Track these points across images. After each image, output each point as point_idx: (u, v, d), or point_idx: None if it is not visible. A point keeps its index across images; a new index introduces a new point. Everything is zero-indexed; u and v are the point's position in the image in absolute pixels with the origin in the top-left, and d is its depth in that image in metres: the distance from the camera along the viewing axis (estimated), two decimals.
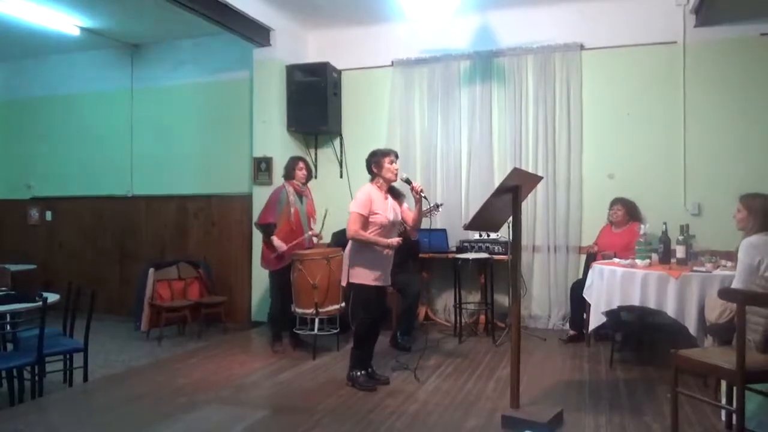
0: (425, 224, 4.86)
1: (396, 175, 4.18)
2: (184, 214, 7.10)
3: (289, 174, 5.29)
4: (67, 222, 7.68)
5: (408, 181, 4.17)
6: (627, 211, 5.45)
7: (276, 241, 5.09)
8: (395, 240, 4.08)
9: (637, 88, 5.80)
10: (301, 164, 5.30)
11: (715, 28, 5.52)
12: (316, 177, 6.51)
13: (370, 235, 4.03)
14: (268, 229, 5.14)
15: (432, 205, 4.71)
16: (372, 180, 4.19)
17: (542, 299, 6.06)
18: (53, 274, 7.40)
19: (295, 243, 5.12)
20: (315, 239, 5.43)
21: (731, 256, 4.15)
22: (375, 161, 4.16)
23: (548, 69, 6.01)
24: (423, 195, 4.10)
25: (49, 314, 3.96)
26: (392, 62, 6.58)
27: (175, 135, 7.17)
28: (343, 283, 4.18)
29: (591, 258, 5.40)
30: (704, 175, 5.57)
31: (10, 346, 4.30)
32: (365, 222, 4.02)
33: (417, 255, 5.78)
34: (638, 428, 3.37)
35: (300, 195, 5.27)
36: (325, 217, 5.44)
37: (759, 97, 5.44)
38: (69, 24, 6.51)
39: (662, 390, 3.94)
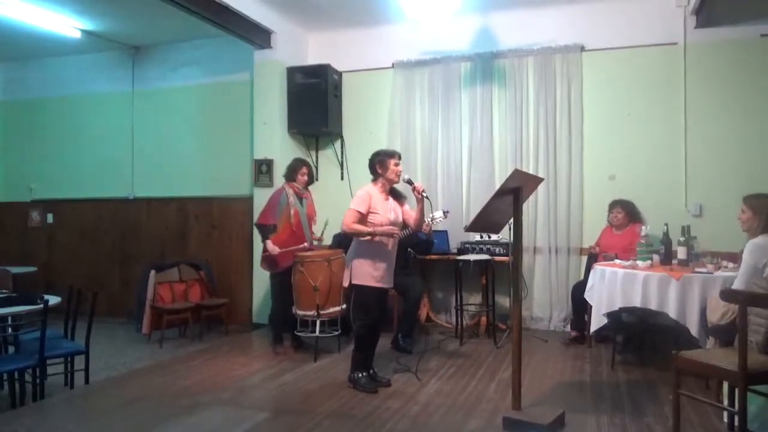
0: None
1: (399, 176, 4.19)
2: (184, 216, 7.10)
3: (290, 176, 5.29)
4: (68, 224, 7.68)
5: (410, 182, 4.18)
6: (627, 213, 5.45)
7: (269, 244, 5.09)
8: (393, 229, 4.05)
9: (637, 90, 5.80)
10: (304, 169, 5.30)
11: (716, 30, 5.52)
12: (317, 179, 6.51)
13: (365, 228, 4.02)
14: (265, 231, 5.14)
15: (440, 212, 4.79)
16: (374, 180, 4.19)
17: (543, 301, 6.06)
18: (54, 276, 7.41)
19: (290, 249, 5.10)
20: (315, 242, 5.44)
21: (733, 257, 4.16)
22: (380, 161, 4.15)
23: (549, 70, 6.01)
24: (425, 195, 4.10)
25: (50, 317, 3.96)
26: (393, 64, 6.58)
27: (175, 137, 7.18)
28: (345, 284, 4.18)
29: (592, 259, 5.39)
30: (705, 176, 5.57)
31: (11, 349, 4.31)
32: (362, 220, 4.01)
33: (429, 253, 5.81)
34: (640, 430, 3.37)
35: (300, 197, 5.27)
36: (325, 226, 5.51)
37: (760, 98, 5.44)
38: (70, 26, 6.53)
39: (664, 391, 3.94)
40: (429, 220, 4.68)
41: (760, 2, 5.07)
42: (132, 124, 7.38)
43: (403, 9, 5.55)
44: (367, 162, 4.24)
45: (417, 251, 5.66)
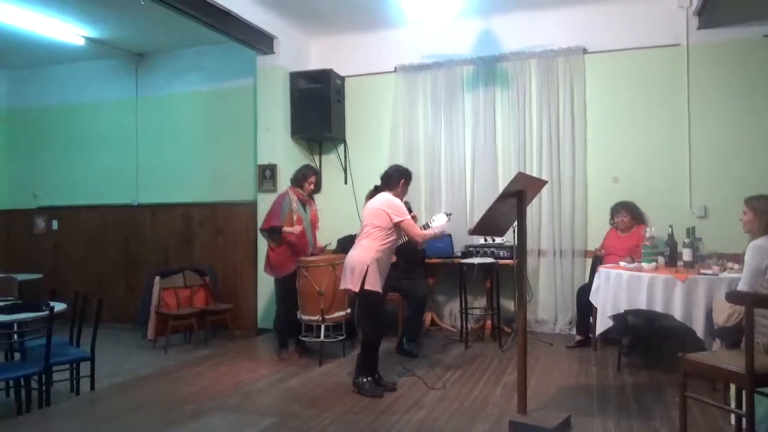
0: None
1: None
2: (189, 222, 7.11)
3: (298, 181, 5.29)
4: (72, 231, 7.71)
5: (409, 209, 4.56)
6: (632, 216, 5.43)
7: (288, 228, 5.07)
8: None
9: (640, 91, 5.79)
10: (312, 178, 5.31)
11: (718, 31, 5.51)
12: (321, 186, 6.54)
13: (389, 242, 4.16)
14: (274, 233, 5.14)
15: (442, 215, 4.87)
16: (391, 191, 4.27)
17: (548, 304, 6.04)
18: (59, 283, 7.40)
19: (302, 230, 5.16)
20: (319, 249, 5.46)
21: (738, 258, 4.14)
22: (408, 179, 4.36)
23: (551, 73, 6.01)
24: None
25: (56, 323, 3.97)
26: (395, 68, 6.59)
27: (179, 143, 7.20)
28: (356, 289, 4.06)
29: (597, 262, 5.38)
30: (709, 177, 5.55)
31: (17, 356, 4.31)
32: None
33: (423, 260, 5.80)
34: None
35: (303, 203, 5.28)
36: (326, 246, 5.63)
37: (763, 99, 5.42)
38: (74, 34, 6.56)
39: (671, 394, 3.92)
40: (430, 223, 4.75)
41: (762, 3, 5.06)
42: (136, 130, 7.40)
43: (404, 13, 5.56)
44: (390, 171, 4.36)
45: (408, 259, 5.60)
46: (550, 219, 5.98)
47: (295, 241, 5.15)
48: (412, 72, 6.53)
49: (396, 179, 4.29)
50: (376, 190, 4.38)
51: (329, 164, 6.90)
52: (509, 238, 5.13)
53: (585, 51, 5.95)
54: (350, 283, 4.10)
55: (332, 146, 6.86)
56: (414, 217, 4.45)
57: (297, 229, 5.09)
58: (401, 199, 4.30)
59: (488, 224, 3.64)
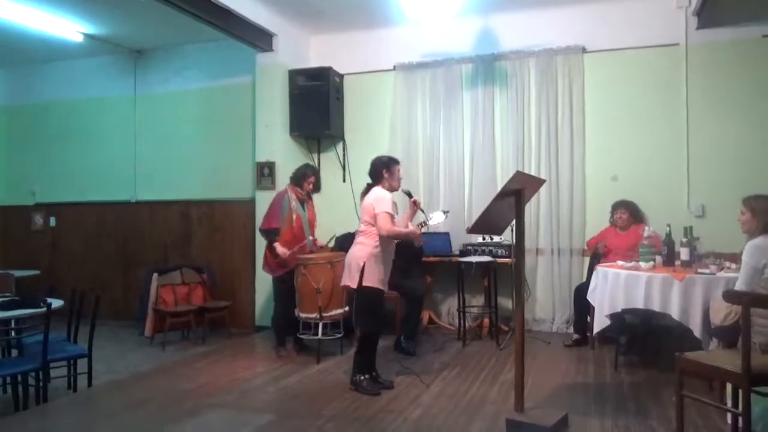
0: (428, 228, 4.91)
1: (399, 184, 4.31)
2: (187, 219, 7.10)
3: (297, 181, 5.29)
4: (70, 228, 7.70)
5: (409, 194, 4.41)
6: (631, 214, 5.44)
7: (279, 247, 5.08)
8: (417, 231, 4.34)
9: (639, 91, 5.80)
10: (312, 178, 5.31)
11: (717, 30, 5.52)
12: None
13: (375, 237, 4.09)
14: (271, 235, 5.14)
15: (439, 213, 4.86)
16: (379, 184, 4.21)
17: (546, 302, 6.05)
18: (57, 279, 7.41)
19: (297, 248, 5.13)
20: (317, 247, 5.45)
21: (736, 257, 4.14)
22: (388, 167, 4.22)
23: (550, 72, 6.01)
24: (421, 209, 4.36)
25: (53, 320, 3.97)
26: (394, 66, 6.59)
27: (178, 140, 7.19)
28: (354, 285, 4.07)
29: (594, 260, 5.39)
30: (708, 176, 5.56)
31: (14, 352, 4.32)
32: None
33: (420, 258, 5.79)
34: None
35: (302, 202, 5.28)
36: (330, 240, 5.58)
37: (761, 98, 5.43)
38: (72, 30, 6.55)
39: (667, 393, 3.92)
40: (428, 220, 4.74)
41: (761, 3, 5.06)
42: (135, 127, 7.39)
43: (404, 11, 5.55)
44: (371, 165, 4.28)
45: (406, 257, 5.58)
46: (549, 218, 5.99)
47: (291, 240, 5.14)
48: (411, 70, 6.52)
49: (379, 170, 4.22)
50: (369, 188, 4.37)
51: (328, 162, 6.90)
52: (507, 236, 5.13)
53: (584, 50, 5.95)
54: (349, 279, 4.12)
55: (331, 144, 6.86)
56: (415, 202, 4.36)
57: (285, 253, 5.06)
58: (397, 188, 4.26)
59: (486, 223, 3.64)
